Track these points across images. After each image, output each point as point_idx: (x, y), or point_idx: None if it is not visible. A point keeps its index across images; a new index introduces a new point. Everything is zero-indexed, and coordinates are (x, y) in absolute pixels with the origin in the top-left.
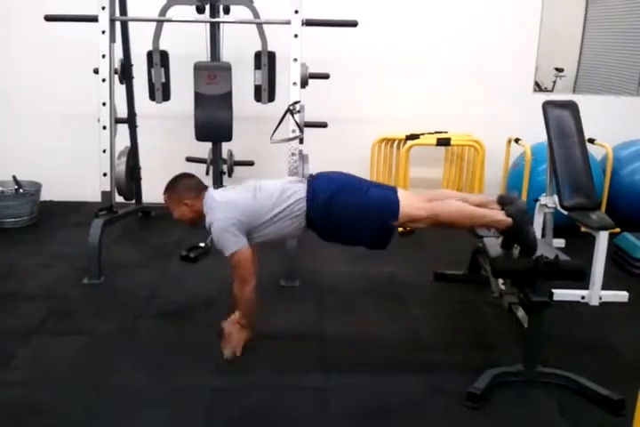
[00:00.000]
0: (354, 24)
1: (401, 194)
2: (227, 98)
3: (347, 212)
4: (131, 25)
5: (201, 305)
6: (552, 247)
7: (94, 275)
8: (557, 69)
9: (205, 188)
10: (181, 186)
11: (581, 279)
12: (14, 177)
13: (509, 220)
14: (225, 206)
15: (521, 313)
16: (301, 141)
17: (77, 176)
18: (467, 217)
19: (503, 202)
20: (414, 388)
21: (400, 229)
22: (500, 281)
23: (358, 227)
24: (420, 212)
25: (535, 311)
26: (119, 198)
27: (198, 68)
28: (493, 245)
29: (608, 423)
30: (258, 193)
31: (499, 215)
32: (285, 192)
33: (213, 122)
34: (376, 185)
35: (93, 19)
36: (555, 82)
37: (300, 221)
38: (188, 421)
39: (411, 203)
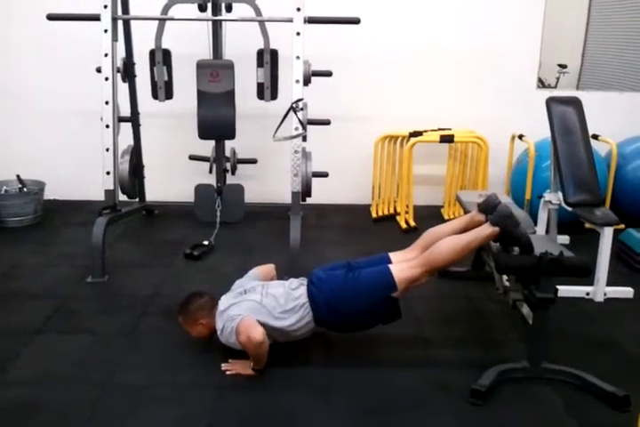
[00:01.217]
0: (356, 21)
1: (393, 259)
2: (229, 96)
3: (350, 311)
4: (133, 23)
5: None
6: (556, 244)
7: (98, 273)
8: (561, 66)
9: (216, 303)
10: (194, 308)
11: (586, 276)
12: (18, 176)
13: (497, 228)
14: (234, 308)
15: (525, 310)
16: (304, 139)
17: (81, 175)
18: (461, 250)
19: (485, 210)
20: (418, 385)
21: (404, 226)
22: (505, 278)
23: (365, 315)
24: (415, 271)
25: (540, 308)
26: (122, 197)
27: (201, 66)
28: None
29: (613, 420)
30: (264, 298)
31: (486, 231)
32: (290, 297)
33: (216, 120)
34: (365, 263)
35: (96, 17)
36: (558, 78)
37: (310, 324)
38: (192, 419)
39: (403, 266)
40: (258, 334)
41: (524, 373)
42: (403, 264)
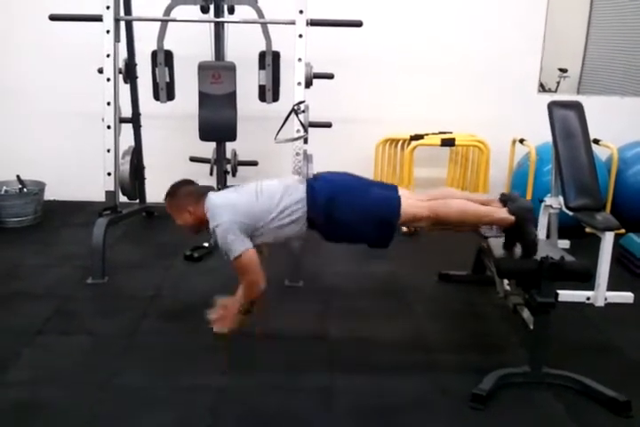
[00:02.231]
0: (359, 24)
1: (402, 193)
2: (231, 98)
3: (347, 213)
4: (135, 25)
5: (205, 305)
6: (557, 248)
7: (98, 275)
8: (561, 70)
9: (206, 192)
10: (182, 193)
11: (587, 280)
12: (18, 176)
13: (512, 217)
14: (227, 209)
15: (526, 314)
16: (306, 141)
17: (81, 176)
18: (469, 215)
19: (506, 200)
20: (418, 388)
21: (405, 229)
22: (505, 282)
23: (360, 227)
24: (421, 210)
25: (541, 312)
26: (123, 198)
27: (203, 67)
28: (498, 245)
29: (615, 425)
30: (259, 195)
31: (501, 213)
32: (286, 193)
33: (217, 122)
34: (377, 184)
35: (98, 18)
36: (559, 82)
37: (302, 222)
38: (193, 421)
39: (412, 202)
40: (262, 281)
41: (524, 377)
42: (412, 200)
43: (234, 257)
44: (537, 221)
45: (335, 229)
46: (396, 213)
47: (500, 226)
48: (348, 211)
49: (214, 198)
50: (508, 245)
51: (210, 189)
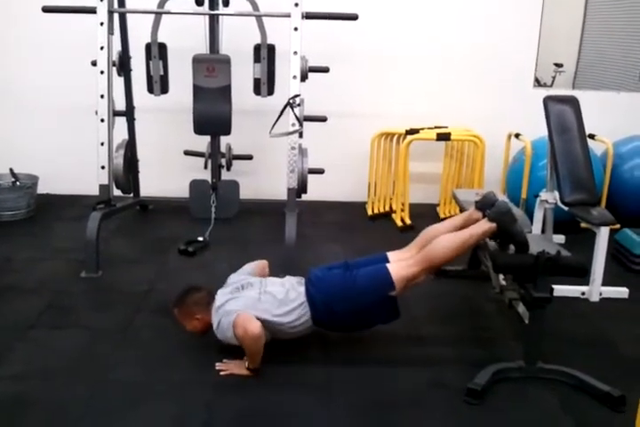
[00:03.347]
0: (354, 17)
1: (391, 258)
2: (226, 91)
3: (348, 311)
4: (129, 17)
5: None
6: (553, 243)
7: (92, 269)
8: (557, 65)
9: (213, 298)
10: (190, 302)
11: (583, 275)
12: (11, 170)
13: (494, 224)
14: (231, 303)
15: (522, 309)
16: (301, 135)
17: (75, 169)
18: (458, 247)
19: (483, 207)
20: (414, 383)
21: (400, 224)
22: (501, 277)
23: (363, 314)
24: (413, 269)
25: (536, 307)
26: (117, 192)
27: (197, 60)
28: (493, 241)
29: (609, 420)
30: (262, 295)
31: (483, 227)
32: (289, 296)
33: (212, 115)
34: (365, 262)
35: (91, 10)
36: (554, 77)
37: (308, 322)
38: (188, 416)
39: (401, 265)
40: (255, 327)
41: (519, 372)
42: (401, 263)
43: (230, 329)
44: (530, 217)
45: (343, 325)
46: (390, 285)
47: (488, 236)
48: (346, 309)
49: (219, 300)
50: (502, 247)
51: (213, 292)
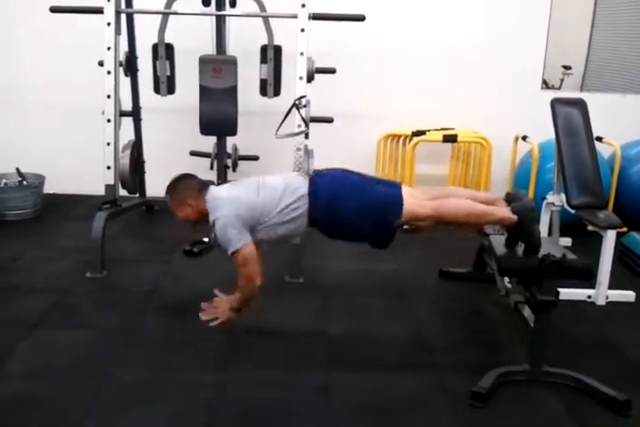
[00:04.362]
0: (361, 18)
1: (405, 191)
2: (232, 92)
3: (349, 211)
4: (136, 17)
5: (202, 300)
6: (559, 246)
7: (97, 269)
8: (565, 67)
9: (207, 186)
10: (182, 187)
11: (589, 279)
12: (18, 169)
13: (515, 217)
14: (227, 203)
15: (527, 312)
16: (307, 136)
17: (81, 169)
18: (472, 215)
19: (510, 199)
20: (418, 386)
21: (405, 225)
22: (506, 279)
23: (361, 225)
24: (424, 209)
25: (542, 310)
26: (123, 192)
27: (204, 61)
28: (499, 243)
29: (614, 424)
30: (261, 190)
31: (504, 213)
32: (288, 189)
33: (218, 116)
34: (380, 182)
35: (99, 10)
36: (562, 80)
37: (303, 219)
38: (190, 416)
39: (415, 200)
40: (259, 277)
41: (524, 375)
42: (415, 199)
43: (232, 251)
44: (539, 218)
45: (336, 227)
46: (398, 210)
47: (503, 225)
48: (349, 209)
49: (216, 191)
50: (510, 244)
51: (211, 182)
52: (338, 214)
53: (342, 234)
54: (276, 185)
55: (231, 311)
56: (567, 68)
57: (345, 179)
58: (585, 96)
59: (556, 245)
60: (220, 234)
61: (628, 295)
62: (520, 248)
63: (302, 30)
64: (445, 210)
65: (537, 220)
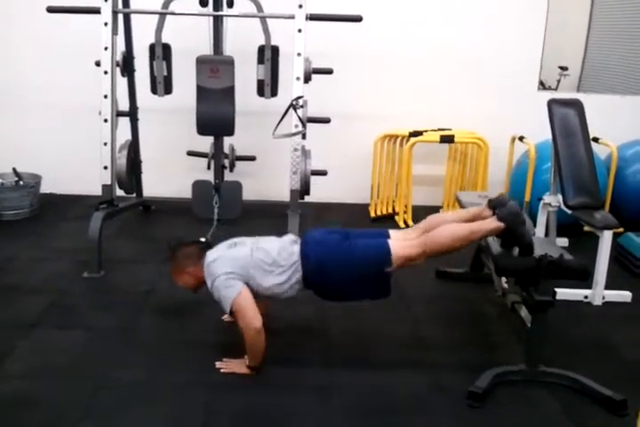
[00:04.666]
0: (358, 19)
1: (393, 236)
2: (229, 92)
3: (341, 274)
4: (133, 17)
5: (201, 300)
6: (556, 246)
7: (94, 269)
8: (562, 68)
9: (204, 252)
10: (181, 255)
11: (585, 279)
12: (14, 169)
13: (502, 224)
14: (221, 263)
15: (524, 312)
16: (304, 137)
17: (78, 169)
18: (459, 239)
19: (494, 206)
20: (416, 386)
21: (403, 226)
22: (504, 280)
23: (356, 284)
24: (413, 250)
25: (538, 311)
26: (120, 192)
27: (201, 61)
28: (496, 243)
29: (611, 424)
30: (255, 252)
31: (491, 224)
32: (282, 254)
33: (215, 116)
34: (364, 234)
35: (96, 10)
36: (559, 80)
37: (298, 284)
38: (188, 417)
39: (402, 243)
40: (256, 320)
41: (521, 375)
42: (402, 242)
43: (229, 306)
44: (533, 220)
45: (333, 290)
46: (387, 260)
47: (493, 235)
48: (340, 272)
49: (210, 256)
50: (505, 246)
51: (208, 246)
52: (330, 279)
53: (341, 296)
54: (269, 249)
55: (248, 369)
56: (564, 68)
57: (328, 242)
58: (581, 97)
59: (553, 245)
60: (217, 296)
61: (624, 296)
62: (515, 250)
63: (299, 31)
64: (432, 244)
65: (524, 222)
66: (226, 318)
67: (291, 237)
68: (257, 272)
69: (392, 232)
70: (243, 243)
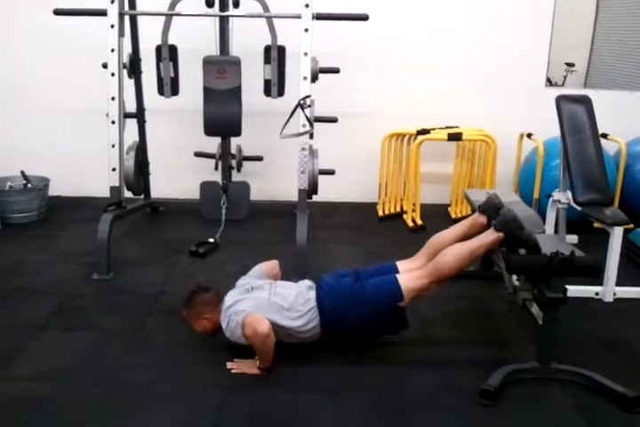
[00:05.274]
0: (365, 18)
1: (400, 268)
2: (236, 92)
3: (356, 318)
4: (139, 19)
5: None
6: (567, 243)
7: (103, 271)
8: (568, 64)
9: (221, 298)
10: (198, 302)
11: (597, 275)
12: (22, 172)
13: (501, 235)
14: (239, 304)
15: (535, 309)
16: (311, 136)
17: (86, 171)
18: (466, 258)
19: (487, 211)
20: (428, 385)
21: (411, 225)
22: (514, 277)
23: (371, 323)
24: (422, 281)
25: (550, 308)
26: (127, 194)
27: (207, 62)
28: None
29: (624, 421)
30: (272, 297)
31: (490, 237)
32: (298, 300)
33: (222, 117)
34: (373, 271)
35: (102, 13)
36: (565, 77)
37: (316, 328)
38: (199, 418)
39: (410, 276)
40: (264, 326)
41: (533, 373)
42: (410, 274)
43: (240, 328)
44: (542, 217)
45: (350, 332)
46: (398, 296)
47: (496, 245)
48: (355, 316)
49: (228, 301)
50: (511, 250)
51: (221, 295)
52: (347, 323)
53: (359, 336)
54: (287, 295)
55: (259, 370)
56: (570, 65)
57: (340, 286)
58: (589, 93)
59: (563, 242)
60: (229, 329)
61: (635, 292)
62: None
63: (306, 30)
64: (439, 271)
65: (522, 227)
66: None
67: (307, 283)
68: (275, 315)
69: (399, 264)
70: (260, 287)
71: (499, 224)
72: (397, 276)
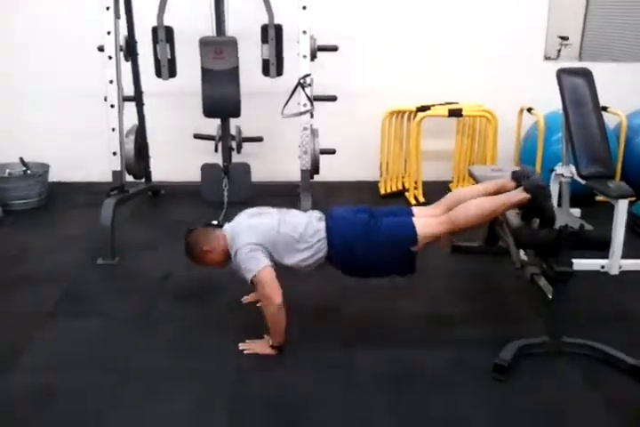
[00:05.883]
0: None
1: (417, 213)
2: (234, 73)
3: (367, 254)
4: (134, 0)
5: (216, 284)
6: (574, 217)
7: (108, 256)
8: (562, 38)
9: (217, 227)
10: (191, 241)
11: (604, 249)
12: (21, 159)
13: (527, 196)
14: (247, 232)
15: (543, 283)
16: (311, 116)
17: (85, 156)
18: (488, 213)
19: (518, 177)
20: (438, 361)
21: (414, 202)
22: (522, 252)
23: (380, 263)
24: (439, 227)
25: (559, 281)
26: (128, 178)
27: (204, 43)
28: (514, 216)
29: (636, 392)
30: (282, 225)
31: (518, 196)
32: (308, 230)
33: (221, 98)
34: (389, 212)
35: None
36: (559, 50)
37: (320, 260)
38: (211, 403)
39: (427, 220)
40: (278, 296)
41: (543, 347)
42: (427, 220)
43: (250, 277)
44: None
45: (357, 268)
46: (412, 239)
47: (517, 206)
48: (366, 251)
49: (232, 226)
50: (525, 218)
51: (219, 225)
52: (356, 258)
53: (366, 273)
54: (296, 224)
55: (271, 349)
56: (564, 38)
57: (354, 220)
58: (588, 66)
59: (570, 216)
60: (238, 264)
61: None
62: (535, 222)
63: (304, 8)
64: (459, 219)
65: (550, 196)
66: (245, 299)
67: (316, 214)
68: (283, 247)
69: (415, 210)
70: (268, 213)
71: (529, 186)
72: (414, 219)
